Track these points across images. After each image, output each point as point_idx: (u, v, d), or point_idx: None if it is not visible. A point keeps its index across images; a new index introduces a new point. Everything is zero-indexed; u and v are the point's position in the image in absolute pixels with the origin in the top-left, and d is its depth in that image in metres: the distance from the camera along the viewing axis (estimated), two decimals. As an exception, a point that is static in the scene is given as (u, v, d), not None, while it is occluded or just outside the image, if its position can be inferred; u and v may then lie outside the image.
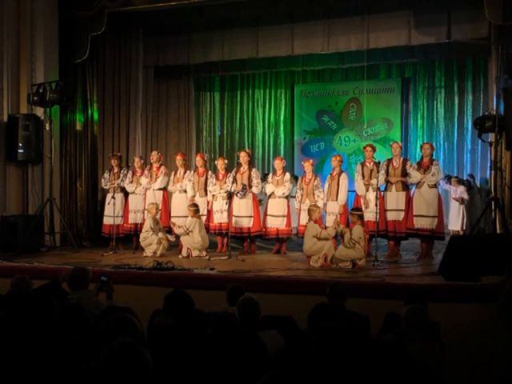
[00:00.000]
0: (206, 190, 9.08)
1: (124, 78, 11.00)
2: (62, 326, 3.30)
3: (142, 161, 9.72)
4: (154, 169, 9.41)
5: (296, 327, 4.37)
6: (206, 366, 2.91)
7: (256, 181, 8.86)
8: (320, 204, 8.42)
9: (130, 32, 10.90)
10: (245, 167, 8.94)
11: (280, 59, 11.67)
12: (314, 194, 8.60)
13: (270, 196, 8.91)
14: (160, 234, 8.72)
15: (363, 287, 6.17)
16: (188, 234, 8.44)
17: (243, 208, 8.83)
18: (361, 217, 7.69)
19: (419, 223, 8.10)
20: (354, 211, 7.86)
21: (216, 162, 9.43)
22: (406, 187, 8.37)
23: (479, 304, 5.72)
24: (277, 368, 2.76)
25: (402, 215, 8.27)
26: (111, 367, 2.15)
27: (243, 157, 8.97)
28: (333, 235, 7.65)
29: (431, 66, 11.85)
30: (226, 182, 8.92)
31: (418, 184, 8.19)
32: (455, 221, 10.47)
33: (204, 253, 8.52)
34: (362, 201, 8.44)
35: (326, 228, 7.93)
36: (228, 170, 9.26)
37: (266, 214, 8.91)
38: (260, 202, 9.48)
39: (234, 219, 8.81)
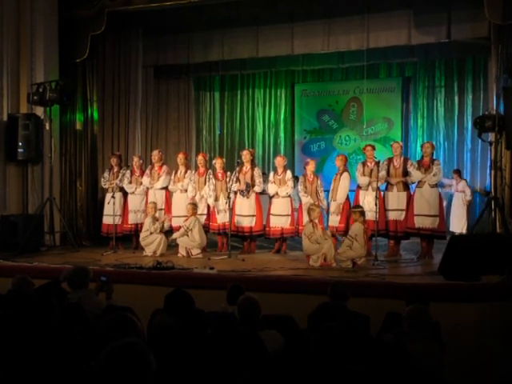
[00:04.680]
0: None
1: (124, 77, 11.00)
2: (62, 326, 3.30)
3: (141, 161, 9.71)
4: (156, 168, 9.40)
5: (296, 327, 4.37)
6: (206, 365, 2.91)
7: (258, 180, 8.86)
8: (324, 204, 8.48)
9: (130, 31, 10.90)
10: (247, 166, 8.93)
11: (280, 59, 11.67)
12: (316, 194, 8.63)
13: (273, 196, 8.91)
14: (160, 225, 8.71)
15: (363, 286, 6.16)
16: (187, 233, 8.44)
17: (245, 207, 8.83)
18: (362, 214, 7.68)
19: (420, 223, 8.11)
20: (354, 208, 7.86)
21: (214, 162, 9.43)
22: (406, 187, 8.38)
23: (479, 304, 5.71)
24: (277, 367, 2.76)
25: (403, 215, 8.28)
26: (114, 367, 2.15)
27: (245, 155, 8.97)
28: (322, 240, 7.57)
29: (431, 65, 11.85)
30: (226, 182, 8.92)
31: (419, 183, 8.20)
32: (458, 223, 10.50)
33: (198, 251, 8.51)
34: (360, 199, 8.44)
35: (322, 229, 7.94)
36: (227, 169, 9.26)
37: (269, 214, 8.91)
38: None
39: (236, 218, 8.81)
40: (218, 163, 9.17)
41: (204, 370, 2.88)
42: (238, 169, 8.95)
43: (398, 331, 3.70)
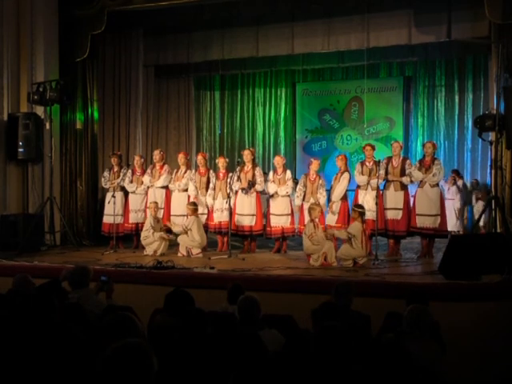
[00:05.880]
0: (207, 190, 9.08)
1: (124, 76, 11.01)
2: (63, 325, 3.30)
3: (142, 160, 9.73)
4: (157, 167, 9.41)
5: (296, 326, 4.37)
6: (206, 365, 2.91)
7: (260, 179, 8.86)
8: (322, 201, 8.45)
9: (131, 31, 10.91)
10: (248, 166, 8.94)
11: (280, 58, 11.67)
12: (317, 193, 8.64)
13: (272, 195, 8.91)
14: (160, 233, 8.70)
15: (363, 286, 6.15)
16: (187, 232, 8.44)
17: (246, 206, 8.83)
18: (362, 214, 7.68)
19: (422, 222, 8.11)
20: (355, 207, 7.86)
21: (217, 161, 9.43)
22: (403, 187, 8.38)
23: (480, 303, 5.71)
24: (277, 367, 2.76)
25: (400, 214, 8.28)
26: (116, 367, 2.15)
27: (247, 155, 8.97)
28: (323, 241, 7.58)
29: (431, 64, 11.85)
30: (227, 182, 8.92)
31: (421, 183, 8.21)
32: (451, 222, 10.54)
33: (199, 251, 8.52)
34: (359, 198, 8.43)
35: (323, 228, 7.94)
36: (228, 169, 9.26)
37: (269, 214, 8.91)
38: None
39: (236, 217, 8.82)
40: (220, 162, 9.17)
41: (204, 370, 2.88)
42: (239, 168, 8.97)
43: (398, 331, 3.70)
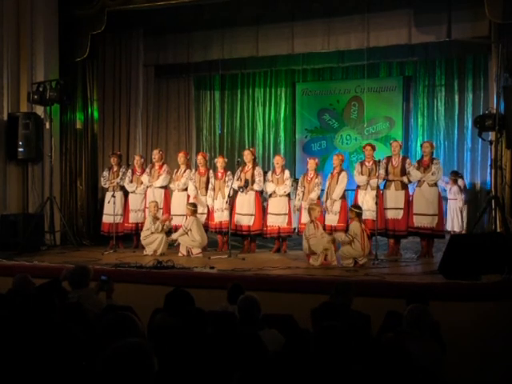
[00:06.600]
0: (207, 190, 9.09)
1: (124, 76, 11.00)
2: (63, 325, 3.30)
3: (143, 160, 9.73)
4: (157, 167, 9.41)
5: (296, 326, 4.37)
6: (207, 365, 2.91)
7: (258, 178, 8.86)
8: (312, 196, 8.45)
9: (131, 31, 10.91)
10: (249, 166, 8.95)
11: (280, 58, 11.66)
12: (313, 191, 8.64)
13: (270, 195, 8.92)
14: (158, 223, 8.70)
15: (363, 286, 6.15)
16: (187, 233, 8.45)
17: (245, 206, 8.84)
18: (358, 215, 7.68)
19: (419, 222, 8.12)
20: (353, 208, 7.86)
21: (216, 161, 9.43)
22: (404, 186, 8.39)
23: (479, 303, 5.71)
24: (277, 367, 2.76)
25: (400, 214, 8.28)
26: (116, 367, 2.15)
27: (247, 155, 8.98)
28: (322, 241, 7.57)
29: (431, 64, 11.84)
30: (225, 181, 8.94)
31: (419, 183, 8.21)
32: (453, 221, 10.53)
33: (199, 250, 8.52)
34: (359, 198, 8.43)
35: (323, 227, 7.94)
36: (228, 168, 9.26)
37: (266, 213, 8.92)
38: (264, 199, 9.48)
39: (236, 217, 8.83)
40: (219, 162, 9.18)
41: (204, 370, 2.88)
42: (240, 168, 8.98)
43: (398, 330, 3.70)
